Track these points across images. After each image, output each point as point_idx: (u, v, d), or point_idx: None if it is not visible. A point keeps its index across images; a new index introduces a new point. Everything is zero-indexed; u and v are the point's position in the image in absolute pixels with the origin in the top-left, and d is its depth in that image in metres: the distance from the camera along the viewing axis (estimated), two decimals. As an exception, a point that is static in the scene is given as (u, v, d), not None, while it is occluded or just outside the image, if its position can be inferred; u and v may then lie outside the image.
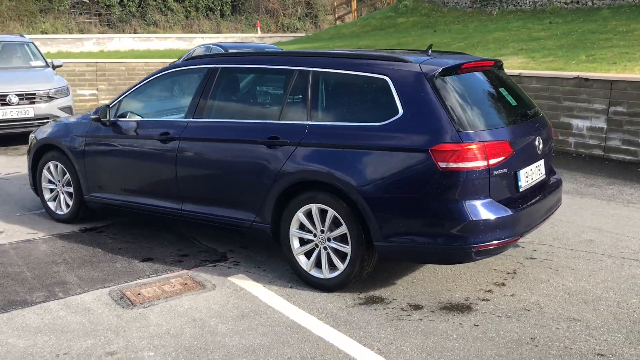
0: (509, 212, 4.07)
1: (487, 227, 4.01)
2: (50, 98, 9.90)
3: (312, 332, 3.83)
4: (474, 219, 3.95)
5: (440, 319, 3.99)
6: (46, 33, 25.04)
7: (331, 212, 4.29)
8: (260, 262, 4.98)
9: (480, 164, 3.95)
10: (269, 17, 31.10)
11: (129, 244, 5.48)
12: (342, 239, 4.32)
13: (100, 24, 27.45)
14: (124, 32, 27.13)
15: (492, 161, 4.00)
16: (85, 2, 26.97)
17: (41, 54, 11.07)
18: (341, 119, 4.40)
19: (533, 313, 4.06)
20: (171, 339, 3.75)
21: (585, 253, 5.15)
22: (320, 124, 4.42)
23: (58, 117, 9.78)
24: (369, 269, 4.35)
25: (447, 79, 4.21)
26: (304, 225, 4.45)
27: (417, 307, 4.16)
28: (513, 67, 10.84)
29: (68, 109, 10.10)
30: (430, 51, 4.70)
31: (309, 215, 4.42)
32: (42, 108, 9.75)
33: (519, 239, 4.24)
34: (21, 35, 11.71)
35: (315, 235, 4.42)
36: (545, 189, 4.70)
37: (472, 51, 13.11)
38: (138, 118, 5.42)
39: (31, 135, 6.36)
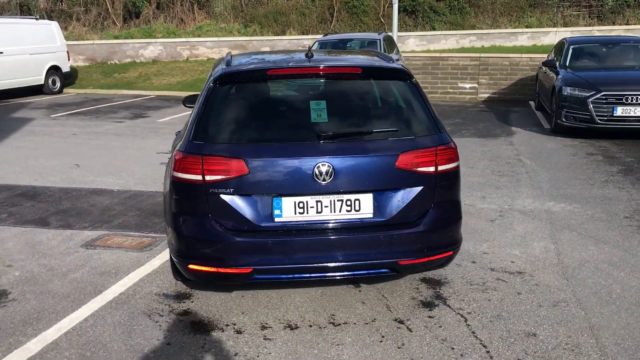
0: (223, 239, 3.61)
1: (198, 248, 3.73)
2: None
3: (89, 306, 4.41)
4: (184, 235, 3.76)
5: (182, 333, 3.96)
6: (530, 27, 25.88)
7: None
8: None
9: (196, 177, 3.67)
10: None
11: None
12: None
13: (589, 17, 26.40)
14: (613, 24, 25.43)
15: (211, 177, 3.63)
16: (575, -6, 26.43)
17: (379, 50, 12.54)
18: None
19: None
20: (47, 271, 4.99)
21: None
22: None
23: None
24: None
25: (230, 86, 3.95)
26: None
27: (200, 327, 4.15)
28: None
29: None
30: (309, 53, 4.24)
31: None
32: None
33: (247, 272, 3.64)
34: (379, 34, 13.38)
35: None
36: (360, 233, 3.67)
37: None
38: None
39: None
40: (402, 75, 4.04)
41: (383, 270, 3.84)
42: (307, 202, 3.67)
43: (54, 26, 17.83)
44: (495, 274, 4.72)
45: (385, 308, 4.18)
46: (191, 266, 3.77)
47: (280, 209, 3.66)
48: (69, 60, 18.30)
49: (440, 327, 3.90)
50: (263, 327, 3.94)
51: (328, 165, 3.62)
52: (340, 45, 13.03)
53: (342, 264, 3.71)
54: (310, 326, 3.95)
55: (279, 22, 27.97)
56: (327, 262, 3.69)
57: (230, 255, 3.66)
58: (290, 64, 4.05)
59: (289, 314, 4.11)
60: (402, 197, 3.74)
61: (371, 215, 3.72)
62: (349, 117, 3.91)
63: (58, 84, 17.87)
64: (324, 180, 3.63)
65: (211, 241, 3.67)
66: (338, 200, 3.68)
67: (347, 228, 3.71)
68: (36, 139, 11.09)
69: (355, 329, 3.90)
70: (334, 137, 3.72)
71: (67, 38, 27.96)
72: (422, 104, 3.96)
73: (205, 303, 4.30)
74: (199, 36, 26.30)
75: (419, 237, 3.75)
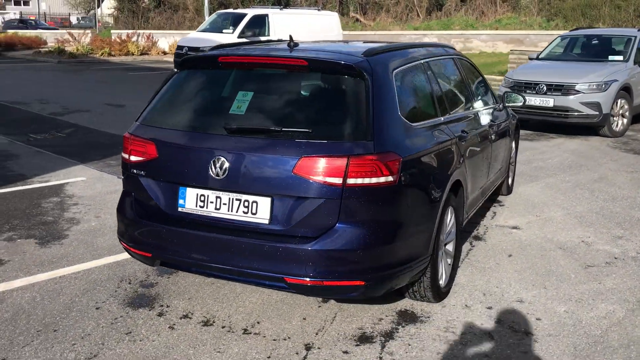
0: (135, 220, 3.70)
1: (122, 225, 3.86)
2: (577, 92, 9.77)
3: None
4: (118, 210, 3.90)
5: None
6: None
7: None
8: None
9: (126, 157, 3.78)
10: None
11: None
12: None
13: None
14: None
15: (133, 158, 3.72)
16: None
17: (628, 50, 10.52)
18: None
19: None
20: (113, 226, 5.66)
21: None
22: None
23: (579, 111, 9.81)
24: None
25: (187, 71, 3.98)
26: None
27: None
28: None
29: (594, 105, 9.67)
30: (290, 42, 3.97)
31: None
32: (562, 100, 9.84)
33: (147, 256, 3.62)
34: (638, 30, 11.16)
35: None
36: (253, 239, 3.31)
37: None
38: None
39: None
40: (353, 72, 3.46)
41: (284, 285, 3.41)
42: (207, 196, 3.47)
43: (334, 17, 19.20)
44: (492, 327, 3.76)
45: (315, 330, 3.71)
46: (123, 242, 3.92)
47: (184, 198, 3.54)
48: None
49: (340, 366, 3.32)
50: (184, 317, 3.88)
51: (223, 160, 3.36)
52: (585, 41, 11.28)
53: (235, 268, 3.42)
54: (223, 327, 3.74)
55: (587, 16, 25.29)
56: (220, 263, 3.45)
57: (137, 236, 3.71)
58: (241, 53, 3.85)
59: (223, 311, 3.95)
60: (303, 208, 3.25)
61: (267, 222, 3.34)
62: (269, 112, 3.54)
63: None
64: (217, 175, 3.38)
65: (129, 220, 3.76)
66: (236, 200, 3.39)
67: (241, 231, 3.40)
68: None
69: (258, 341, 3.57)
70: (238, 131, 3.43)
71: (372, 28, 29.84)
72: (365, 107, 3.34)
73: (174, 282, 4.39)
74: (496, 29, 25.39)
75: (311, 256, 3.22)
